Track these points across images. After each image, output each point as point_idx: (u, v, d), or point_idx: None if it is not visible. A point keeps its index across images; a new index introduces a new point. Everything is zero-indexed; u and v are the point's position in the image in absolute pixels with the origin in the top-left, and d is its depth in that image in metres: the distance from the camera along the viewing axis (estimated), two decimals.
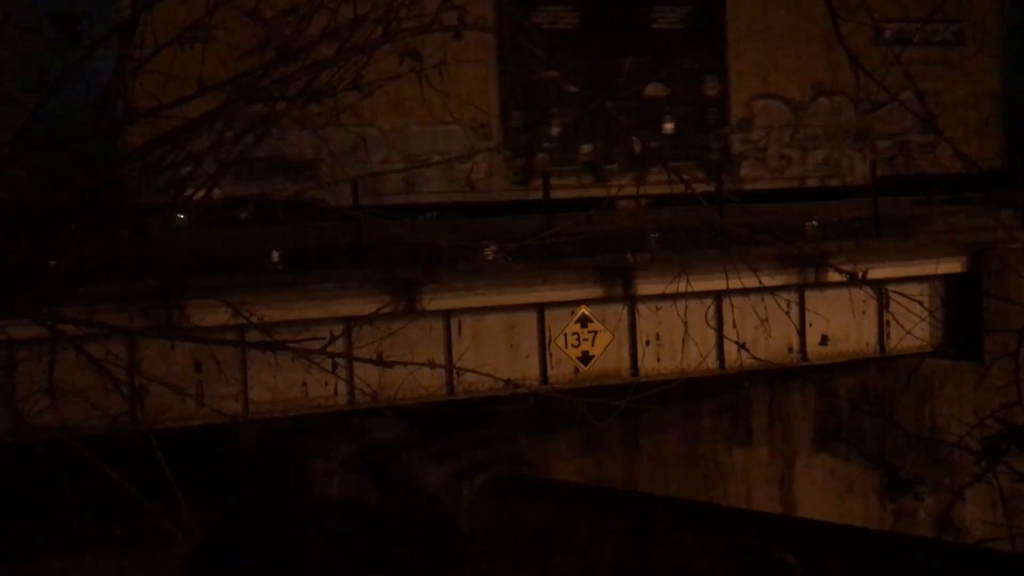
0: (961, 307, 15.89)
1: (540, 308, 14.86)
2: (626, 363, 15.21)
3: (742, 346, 13.99)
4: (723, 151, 19.76)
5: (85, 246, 7.03)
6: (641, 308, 15.09)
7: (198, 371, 13.03)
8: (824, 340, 15.87)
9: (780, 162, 20.21)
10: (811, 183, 20.33)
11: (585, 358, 15.02)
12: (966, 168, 16.41)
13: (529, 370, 14.83)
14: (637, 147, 16.94)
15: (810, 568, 11.11)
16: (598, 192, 17.56)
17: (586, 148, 18.97)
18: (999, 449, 5.49)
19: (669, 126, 19.13)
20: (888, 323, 15.73)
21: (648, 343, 15.20)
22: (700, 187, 8.42)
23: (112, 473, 6.91)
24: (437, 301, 14.06)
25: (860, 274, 7.16)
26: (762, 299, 13.51)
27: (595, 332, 15.02)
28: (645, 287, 14.71)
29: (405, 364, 8.00)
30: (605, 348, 15.12)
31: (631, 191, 14.19)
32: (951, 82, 20.51)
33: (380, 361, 7.90)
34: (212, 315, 11.41)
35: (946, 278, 16.11)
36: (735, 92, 19.90)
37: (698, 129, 19.41)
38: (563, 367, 14.98)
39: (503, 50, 17.91)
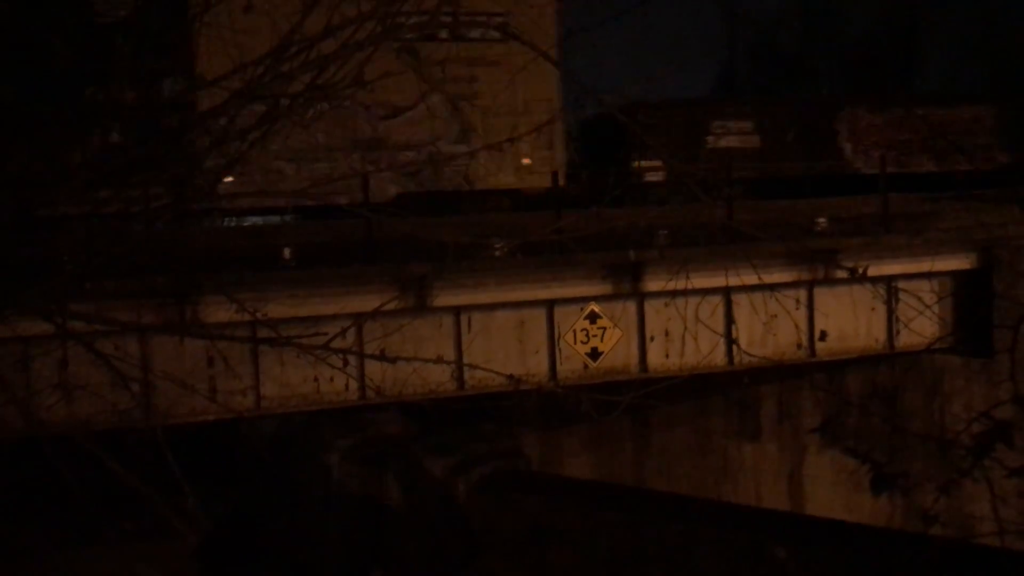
0: (971, 303, 15.83)
1: (549, 304, 14.90)
2: (635, 359, 15.24)
3: (749, 342, 14.03)
4: (191, 161, 17.39)
5: (95, 242, 7.13)
6: (650, 304, 15.13)
7: (210, 367, 13.13)
8: (833, 337, 15.85)
9: (270, 176, 16.94)
10: (310, 201, 18.10)
11: (594, 354, 15.06)
12: (520, 184, 14.69)
13: (538, 366, 14.88)
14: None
15: (801, 563, 11.16)
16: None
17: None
18: (987, 445, 5.54)
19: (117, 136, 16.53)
20: (898, 320, 15.70)
21: (655, 339, 15.22)
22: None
23: (119, 469, 7.00)
24: (447, 297, 14.13)
25: (861, 270, 7.18)
26: (771, 296, 13.60)
27: (604, 328, 15.06)
28: (654, 283, 14.73)
29: (409, 360, 8.09)
30: (614, 344, 15.15)
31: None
32: (495, 86, 17.25)
33: (387, 357, 7.99)
34: (224, 311, 11.47)
35: (956, 274, 16.06)
36: (205, 94, 17.20)
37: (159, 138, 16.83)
38: (572, 363, 15.02)
39: None
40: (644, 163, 19.65)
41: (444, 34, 16.37)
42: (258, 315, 7.93)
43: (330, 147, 17.07)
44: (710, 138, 21.45)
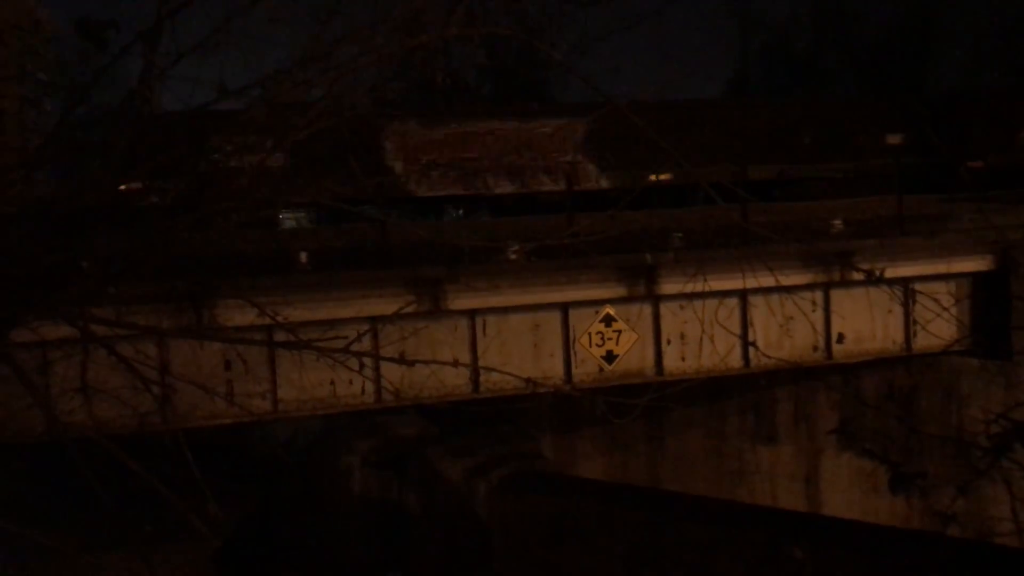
0: (988, 305, 15.78)
1: (564, 307, 14.93)
2: (650, 362, 15.24)
3: (765, 345, 14.00)
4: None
5: (115, 247, 7.19)
6: (665, 307, 15.13)
7: (228, 370, 13.19)
8: (849, 339, 15.81)
9: None
10: None
11: (609, 357, 15.07)
12: None
13: (554, 369, 14.91)
14: None
15: (818, 562, 11.16)
16: None
17: None
18: (1005, 446, 5.55)
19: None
20: (915, 322, 15.65)
21: (671, 342, 15.23)
22: None
23: (142, 471, 7.06)
24: (462, 300, 14.18)
25: (878, 272, 7.17)
26: (787, 298, 13.59)
27: (619, 331, 15.07)
28: (669, 286, 14.75)
29: (427, 363, 8.13)
30: (630, 347, 15.16)
31: None
32: None
33: (405, 360, 8.02)
34: (241, 315, 11.58)
35: (973, 276, 16.01)
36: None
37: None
38: (587, 366, 15.04)
39: None
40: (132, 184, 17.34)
41: None
42: (277, 318, 7.99)
43: None
44: (221, 156, 19.17)
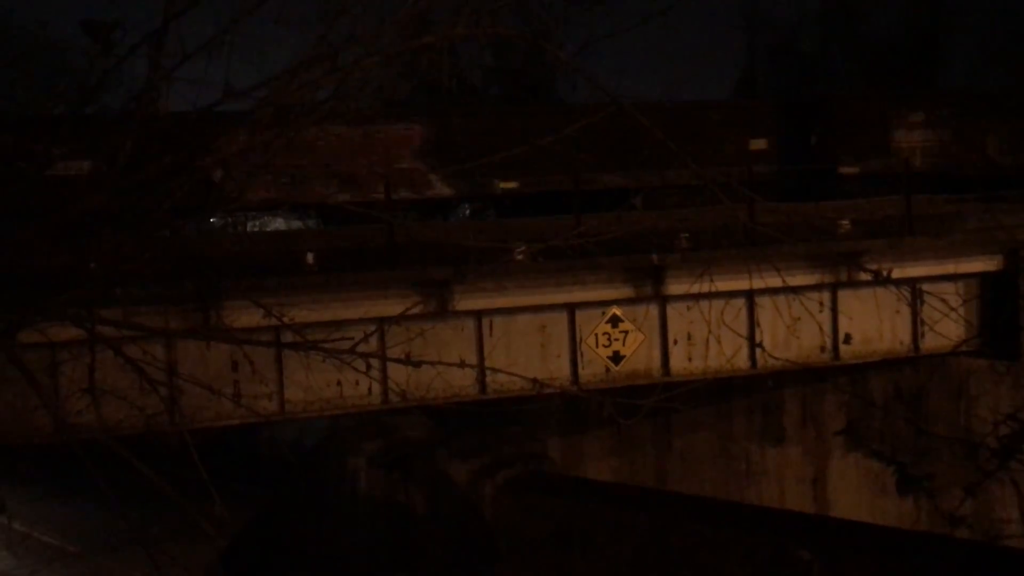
0: (997, 305, 15.72)
1: (571, 308, 14.92)
2: (657, 363, 15.23)
3: (772, 345, 14.00)
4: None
5: (122, 248, 7.21)
6: (672, 308, 15.11)
7: (234, 371, 13.22)
8: (857, 340, 15.77)
9: None
10: None
11: (616, 358, 15.06)
12: None
13: (560, 370, 14.90)
14: None
15: (826, 565, 11.14)
16: None
17: None
18: (1013, 447, 5.53)
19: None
20: (922, 322, 15.60)
21: (678, 343, 15.21)
22: None
23: (149, 472, 7.07)
24: (468, 301, 14.18)
25: (886, 272, 7.16)
26: (794, 298, 13.58)
27: (626, 332, 15.06)
28: (676, 287, 14.73)
29: (434, 364, 8.14)
30: (636, 348, 15.15)
31: None
32: None
33: (411, 361, 8.03)
34: (248, 316, 11.60)
35: (981, 276, 15.95)
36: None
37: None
38: (594, 367, 15.03)
39: None
40: None
41: None
42: (284, 319, 8.00)
43: None
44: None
